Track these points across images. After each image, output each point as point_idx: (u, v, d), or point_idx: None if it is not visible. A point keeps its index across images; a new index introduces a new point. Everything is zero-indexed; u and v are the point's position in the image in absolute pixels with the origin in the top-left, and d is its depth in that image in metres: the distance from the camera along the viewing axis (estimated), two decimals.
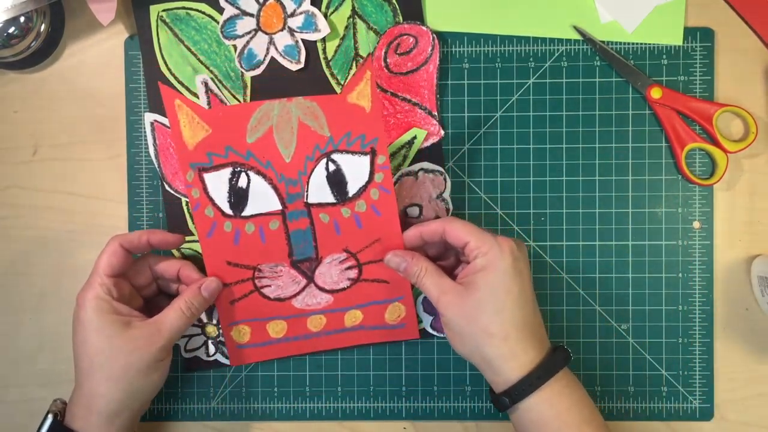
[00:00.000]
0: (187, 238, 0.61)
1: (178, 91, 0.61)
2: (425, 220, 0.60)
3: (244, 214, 0.58)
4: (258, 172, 0.57)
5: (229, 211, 0.58)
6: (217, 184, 0.58)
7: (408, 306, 0.61)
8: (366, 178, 0.58)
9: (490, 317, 0.52)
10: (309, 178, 0.58)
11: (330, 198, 0.58)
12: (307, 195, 0.58)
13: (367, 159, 0.57)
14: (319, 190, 0.58)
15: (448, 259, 0.59)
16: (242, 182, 0.58)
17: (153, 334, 0.55)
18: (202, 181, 0.57)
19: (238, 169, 0.57)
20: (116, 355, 0.54)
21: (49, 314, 0.63)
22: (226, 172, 0.57)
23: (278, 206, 0.58)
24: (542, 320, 0.55)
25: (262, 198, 0.58)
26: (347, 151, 0.57)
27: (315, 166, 0.57)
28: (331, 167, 0.57)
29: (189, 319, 0.56)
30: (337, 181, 0.58)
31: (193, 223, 0.61)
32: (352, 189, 0.58)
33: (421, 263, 0.56)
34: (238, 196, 0.58)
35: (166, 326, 0.55)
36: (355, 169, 0.58)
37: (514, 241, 0.54)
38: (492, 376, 0.53)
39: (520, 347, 0.52)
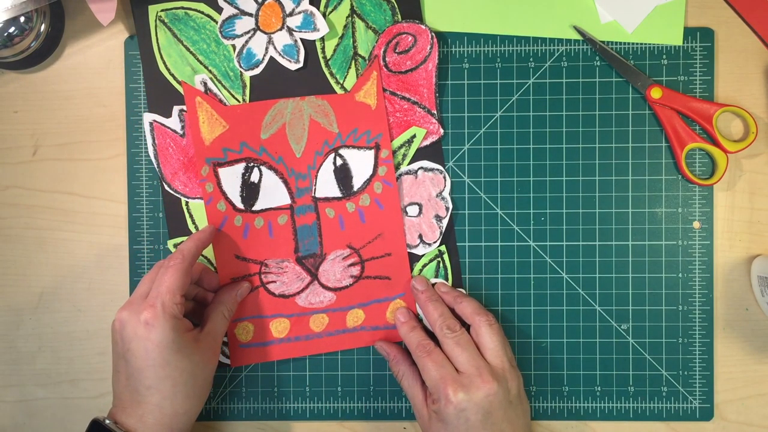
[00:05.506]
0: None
1: (176, 91, 0.61)
2: (425, 217, 0.61)
3: (254, 208, 0.61)
4: (270, 167, 0.60)
5: (240, 206, 0.61)
6: (231, 178, 0.61)
7: (409, 303, 0.62)
8: (370, 172, 0.60)
9: None
10: (318, 172, 0.61)
11: (336, 192, 0.61)
12: (315, 189, 0.60)
13: (371, 153, 0.60)
14: (326, 185, 0.61)
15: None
16: (254, 177, 0.61)
17: (213, 346, 0.56)
18: (217, 175, 0.60)
19: (252, 164, 0.61)
20: (196, 372, 0.54)
21: (49, 314, 0.63)
22: (240, 167, 0.61)
23: (287, 200, 0.60)
24: None
25: (273, 192, 0.61)
26: (353, 146, 0.60)
27: (323, 161, 0.60)
28: (339, 162, 0.60)
29: (227, 325, 0.59)
30: (343, 175, 0.61)
31: (193, 224, 0.62)
32: (357, 183, 0.61)
33: (399, 366, 0.60)
34: (250, 191, 0.61)
35: (219, 336, 0.57)
36: (361, 163, 0.61)
37: (467, 391, 0.54)
38: None
39: None
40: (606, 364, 0.62)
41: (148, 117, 0.61)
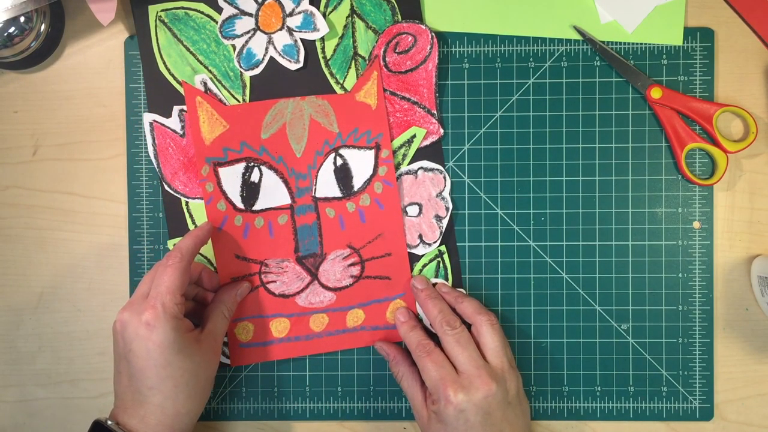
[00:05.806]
0: None
1: (176, 91, 0.61)
2: (425, 218, 0.61)
3: (254, 208, 0.61)
4: (270, 167, 0.61)
5: (240, 205, 0.61)
6: (231, 178, 0.61)
7: (409, 303, 0.62)
8: (370, 172, 0.61)
9: None
10: (318, 172, 0.61)
11: (336, 192, 0.61)
12: (315, 189, 0.60)
13: (371, 153, 0.60)
14: (326, 185, 0.61)
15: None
16: (255, 177, 0.61)
17: (214, 346, 0.56)
18: (217, 175, 0.61)
19: (252, 163, 0.61)
20: (198, 372, 0.54)
21: (49, 314, 0.63)
22: (240, 167, 0.61)
23: (288, 200, 0.61)
24: None
25: (273, 192, 0.61)
26: (354, 146, 0.60)
27: (324, 161, 0.61)
28: (339, 161, 0.61)
29: (228, 325, 0.59)
30: (343, 175, 0.61)
31: (194, 224, 0.62)
32: (357, 183, 0.61)
33: (399, 367, 0.60)
34: (250, 190, 0.61)
35: (220, 336, 0.57)
36: (361, 163, 0.61)
37: (467, 392, 0.54)
38: None
39: None
40: (606, 364, 0.62)
41: (148, 117, 0.61)
